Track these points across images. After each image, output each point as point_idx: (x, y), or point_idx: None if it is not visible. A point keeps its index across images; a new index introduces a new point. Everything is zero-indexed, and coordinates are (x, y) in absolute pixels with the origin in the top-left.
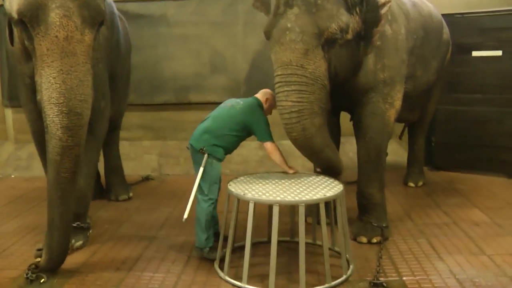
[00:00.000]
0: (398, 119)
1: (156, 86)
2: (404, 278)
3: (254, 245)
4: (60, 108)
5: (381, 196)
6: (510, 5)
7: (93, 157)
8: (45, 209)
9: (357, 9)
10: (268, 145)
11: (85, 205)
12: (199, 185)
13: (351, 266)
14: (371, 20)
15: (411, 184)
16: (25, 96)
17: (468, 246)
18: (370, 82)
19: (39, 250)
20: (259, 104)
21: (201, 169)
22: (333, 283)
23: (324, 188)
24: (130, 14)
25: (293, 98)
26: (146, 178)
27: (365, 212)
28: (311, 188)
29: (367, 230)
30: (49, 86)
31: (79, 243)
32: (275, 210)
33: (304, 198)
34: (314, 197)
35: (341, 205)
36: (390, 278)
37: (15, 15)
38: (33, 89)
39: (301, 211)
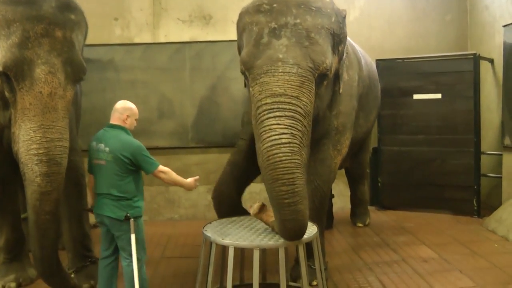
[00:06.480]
0: None
1: None
2: None
3: None
4: (39, 158)
5: (322, 241)
6: (446, 51)
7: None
8: None
9: (339, 49)
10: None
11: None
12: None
13: None
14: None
15: (360, 224)
16: None
17: (417, 282)
18: (325, 129)
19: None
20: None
21: (133, 236)
22: None
23: None
24: None
25: (286, 122)
26: (95, 226)
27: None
28: None
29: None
30: (28, 138)
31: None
32: (256, 255)
33: (283, 241)
34: None
35: (317, 245)
36: None
37: None
38: None
39: (281, 254)
